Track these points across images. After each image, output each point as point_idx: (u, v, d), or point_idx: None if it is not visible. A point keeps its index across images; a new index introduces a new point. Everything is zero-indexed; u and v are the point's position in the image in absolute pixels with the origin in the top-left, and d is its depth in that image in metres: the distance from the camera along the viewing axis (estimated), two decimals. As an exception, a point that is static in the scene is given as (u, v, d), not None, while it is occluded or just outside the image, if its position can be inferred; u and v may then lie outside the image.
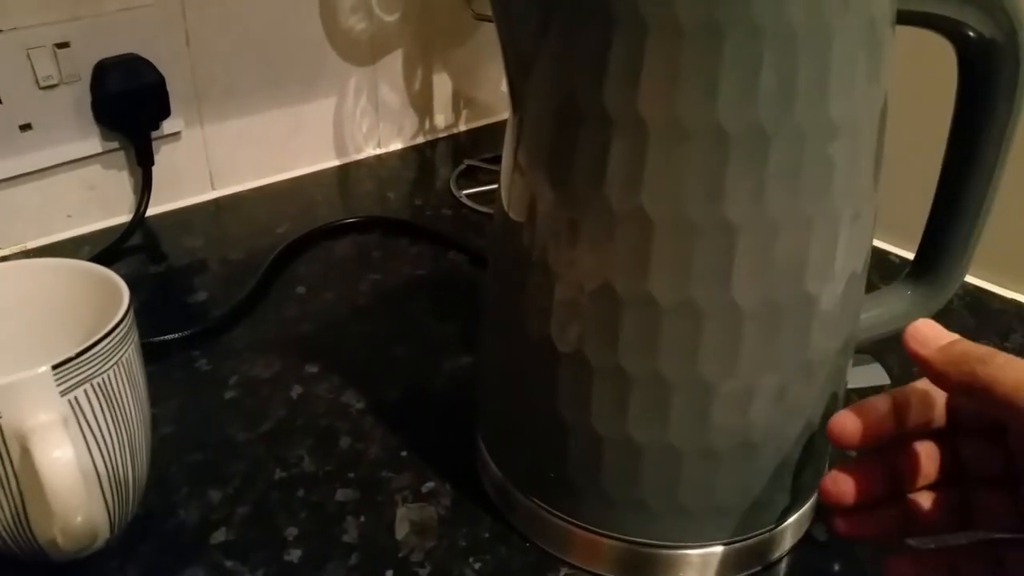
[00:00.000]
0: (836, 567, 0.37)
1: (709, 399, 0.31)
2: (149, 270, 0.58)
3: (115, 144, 0.61)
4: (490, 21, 0.72)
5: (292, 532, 0.38)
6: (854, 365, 0.36)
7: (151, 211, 0.65)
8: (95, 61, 0.58)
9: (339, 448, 0.43)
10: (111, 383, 0.33)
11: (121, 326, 0.33)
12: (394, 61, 0.77)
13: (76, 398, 0.31)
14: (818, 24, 0.27)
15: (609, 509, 0.35)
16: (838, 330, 0.32)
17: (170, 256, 0.61)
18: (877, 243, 0.61)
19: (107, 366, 0.32)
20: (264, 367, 0.49)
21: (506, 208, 0.35)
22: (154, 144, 0.63)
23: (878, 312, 0.36)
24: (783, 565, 0.37)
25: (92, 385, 0.32)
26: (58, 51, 0.56)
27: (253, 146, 0.70)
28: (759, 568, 0.36)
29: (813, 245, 0.30)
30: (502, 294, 0.37)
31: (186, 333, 0.50)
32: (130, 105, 0.59)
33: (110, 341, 0.32)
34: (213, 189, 0.69)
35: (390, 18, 0.74)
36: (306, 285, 0.57)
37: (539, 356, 0.34)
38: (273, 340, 0.51)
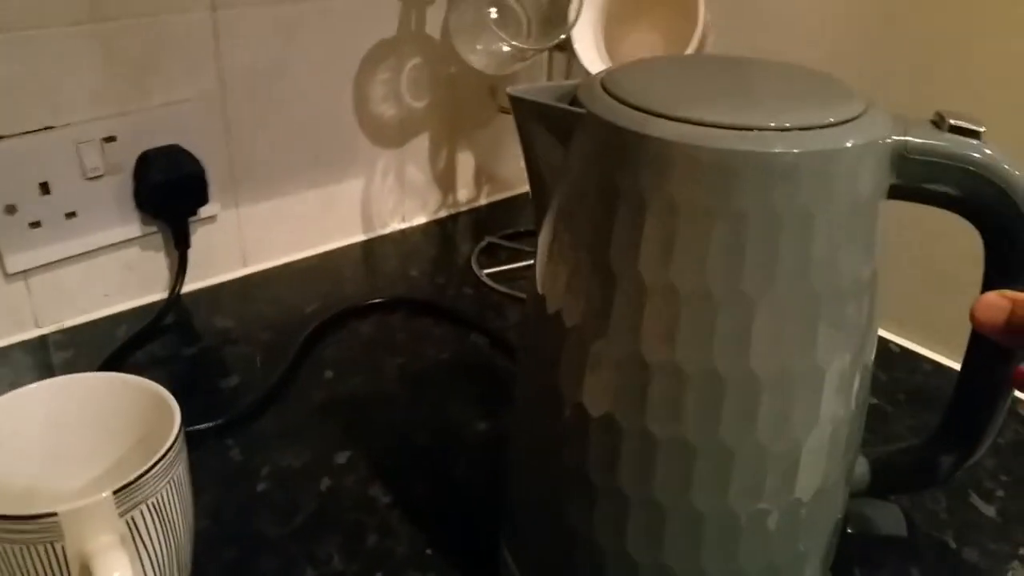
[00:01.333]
0: None
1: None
2: (182, 352, 0.61)
3: (154, 228, 0.65)
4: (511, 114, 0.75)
5: (323, 634, 0.40)
6: (873, 511, 0.38)
7: (185, 288, 0.67)
8: (139, 153, 0.61)
9: (367, 546, 0.45)
10: (163, 500, 0.35)
11: (175, 446, 0.35)
12: (421, 142, 0.80)
13: (133, 518, 0.34)
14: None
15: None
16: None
17: (203, 336, 0.63)
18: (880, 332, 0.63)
19: (161, 485, 0.35)
20: (294, 457, 0.51)
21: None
22: (190, 226, 0.66)
23: (901, 464, 0.39)
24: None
25: (147, 505, 0.34)
26: (105, 145, 0.60)
27: (285, 224, 0.73)
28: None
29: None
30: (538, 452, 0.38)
31: (220, 422, 0.53)
32: (170, 193, 0.62)
33: (165, 462, 0.34)
34: (245, 266, 0.72)
35: (419, 104, 0.78)
36: (334, 369, 0.60)
37: (573, 480, 0.36)
38: (303, 428, 0.54)
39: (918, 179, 0.31)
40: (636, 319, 0.31)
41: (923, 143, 0.31)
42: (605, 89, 0.33)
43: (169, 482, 0.35)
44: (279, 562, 0.44)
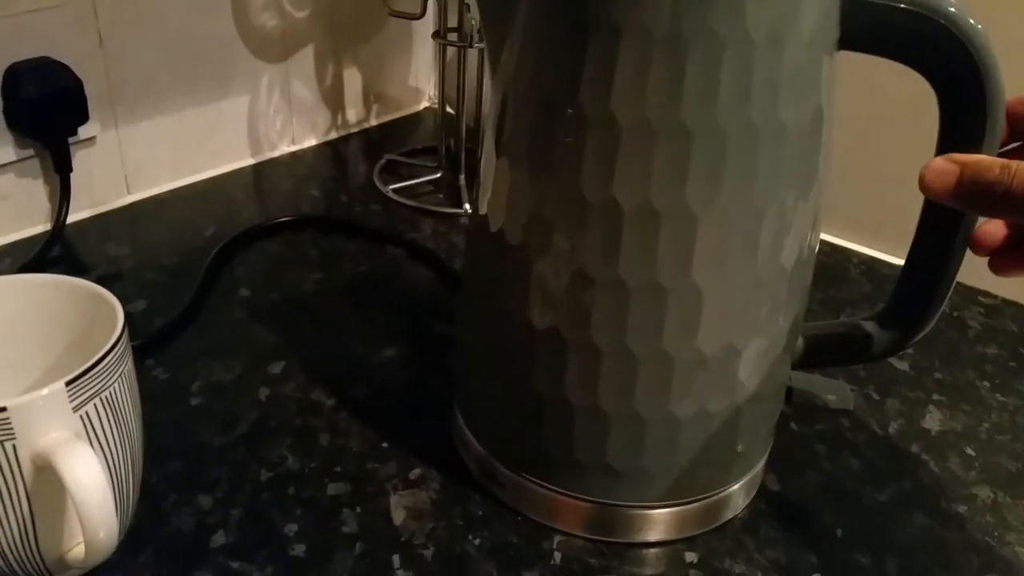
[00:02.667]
0: (789, 512, 0.42)
1: (670, 370, 0.35)
2: (80, 280, 0.57)
3: (30, 152, 0.59)
4: (405, 17, 0.74)
5: (291, 528, 0.39)
6: (820, 385, 0.40)
7: (68, 219, 0.62)
8: (6, 65, 0.55)
9: (320, 445, 0.44)
10: (116, 395, 0.33)
11: (122, 338, 0.33)
12: (305, 57, 0.77)
13: (87, 412, 0.31)
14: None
15: (582, 474, 0.38)
16: (787, 308, 0.37)
17: (98, 266, 0.59)
18: (872, 252, 0.67)
19: (112, 379, 0.32)
20: (224, 371, 0.49)
21: (485, 199, 0.37)
22: (71, 148, 0.61)
23: (847, 339, 0.40)
24: (741, 516, 0.41)
25: (101, 399, 0.32)
26: (-35, 55, 0.54)
27: (168, 147, 0.68)
28: (721, 522, 0.41)
29: (764, 232, 0.33)
30: (482, 282, 0.39)
31: (135, 343, 0.49)
32: (46, 110, 0.57)
33: (115, 353, 0.32)
34: (129, 193, 0.67)
35: (301, 14, 0.74)
36: (249, 287, 0.57)
37: (518, 336, 0.37)
38: (227, 344, 0.51)
39: (870, 26, 0.32)
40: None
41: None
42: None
43: (120, 376, 0.33)
44: (230, 468, 0.42)
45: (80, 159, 0.62)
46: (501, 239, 0.36)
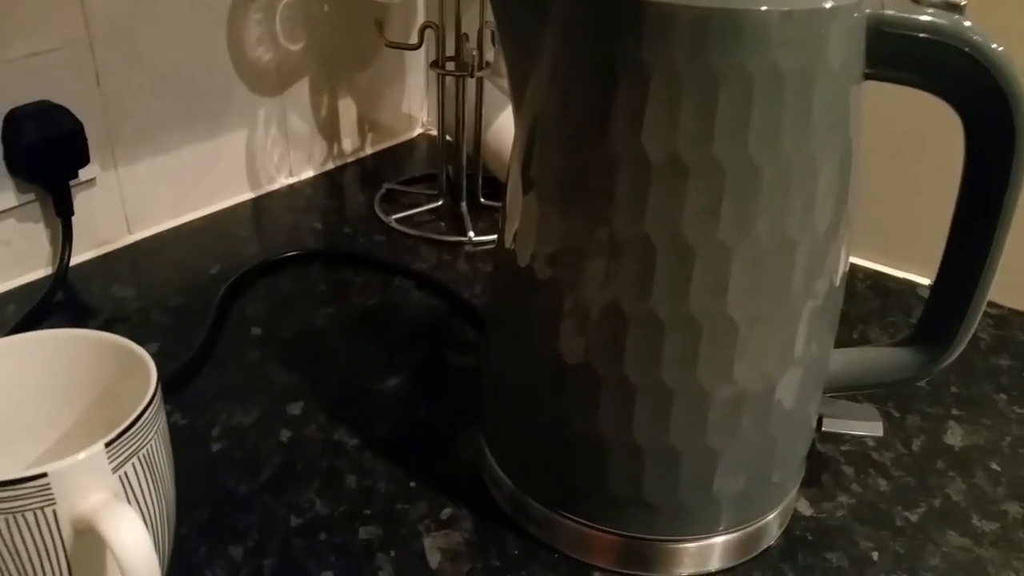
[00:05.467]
0: (825, 538, 0.42)
1: (706, 404, 0.35)
2: (88, 326, 0.56)
3: (31, 196, 0.58)
4: (401, 48, 0.73)
5: (327, 576, 0.38)
6: (852, 408, 0.40)
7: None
8: (5, 111, 0.55)
9: (347, 487, 0.43)
10: (153, 453, 0.32)
11: (157, 394, 0.32)
12: (301, 89, 0.76)
13: (126, 473, 0.31)
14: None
15: (617, 509, 0.38)
16: (820, 337, 0.37)
17: (104, 309, 0.58)
18: (877, 266, 0.67)
19: (149, 436, 0.32)
20: (243, 414, 0.48)
21: (512, 233, 0.37)
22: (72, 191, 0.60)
23: (877, 365, 0.41)
24: (777, 545, 0.41)
25: (139, 458, 0.31)
26: (-35, 102, 0.53)
27: (166, 185, 0.68)
28: (759, 551, 0.40)
29: (797, 263, 0.33)
30: (510, 317, 0.39)
31: (153, 389, 0.49)
32: (47, 155, 0.56)
33: (151, 410, 0.32)
34: (130, 233, 0.66)
35: (295, 47, 0.74)
36: (260, 325, 0.56)
37: (549, 371, 0.37)
38: (243, 385, 0.51)
39: (896, 56, 0.32)
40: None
41: (901, 16, 0.31)
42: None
43: (156, 432, 0.32)
44: (258, 515, 0.41)
45: (81, 201, 0.61)
46: (530, 274, 0.36)
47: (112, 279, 0.61)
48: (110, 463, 0.30)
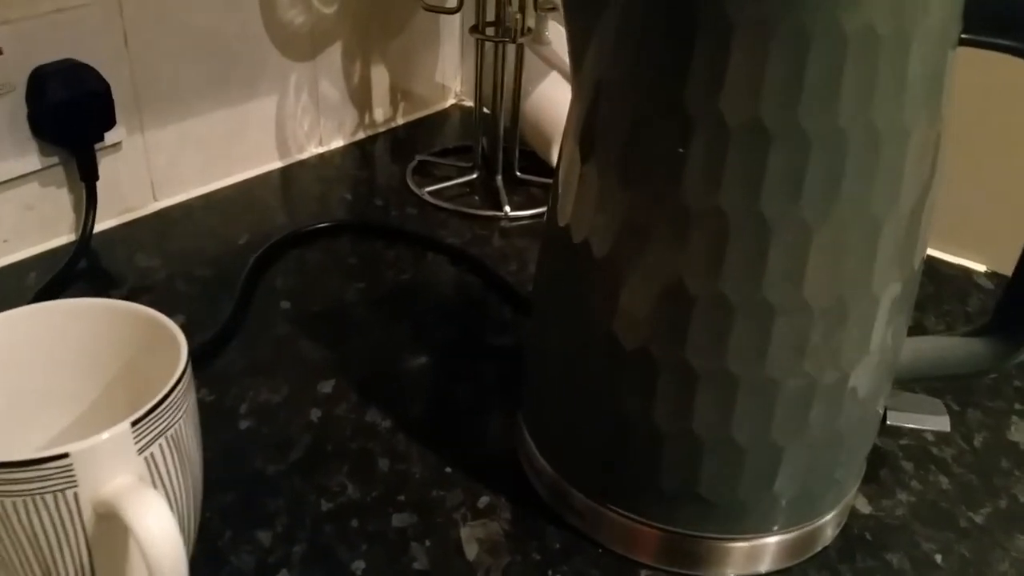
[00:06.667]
0: (885, 538, 0.39)
1: (774, 396, 0.33)
2: (112, 296, 0.54)
3: (54, 159, 0.56)
4: (440, 11, 0.71)
5: (359, 566, 0.36)
6: (916, 401, 0.37)
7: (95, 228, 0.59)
8: (31, 68, 0.52)
9: (379, 471, 0.41)
10: (181, 433, 0.30)
11: (186, 371, 0.30)
12: (333, 55, 0.74)
13: (152, 454, 0.29)
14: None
15: (669, 504, 0.36)
16: (897, 326, 0.34)
17: (128, 278, 0.56)
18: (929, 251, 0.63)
19: (178, 416, 0.30)
20: (272, 391, 0.46)
21: (567, 208, 0.35)
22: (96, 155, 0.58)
23: (950, 356, 0.38)
24: (835, 544, 0.39)
25: (166, 438, 0.29)
26: (-12, 59, 0.51)
27: (194, 151, 0.66)
28: (816, 551, 0.38)
29: (881, 244, 0.31)
30: (561, 296, 0.37)
31: (179, 362, 0.47)
32: (72, 115, 0.54)
33: (180, 388, 0.30)
34: (156, 200, 0.64)
35: (328, 10, 0.71)
36: (289, 299, 0.54)
37: (602, 355, 0.34)
38: (272, 361, 0.49)
39: (991, 21, 0.30)
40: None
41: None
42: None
43: (186, 412, 0.30)
44: (287, 499, 0.40)
45: (106, 166, 0.59)
46: (586, 251, 0.34)
47: (137, 247, 0.59)
48: (136, 444, 0.28)
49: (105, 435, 0.27)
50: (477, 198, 0.69)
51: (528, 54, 0.66)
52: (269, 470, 0.41)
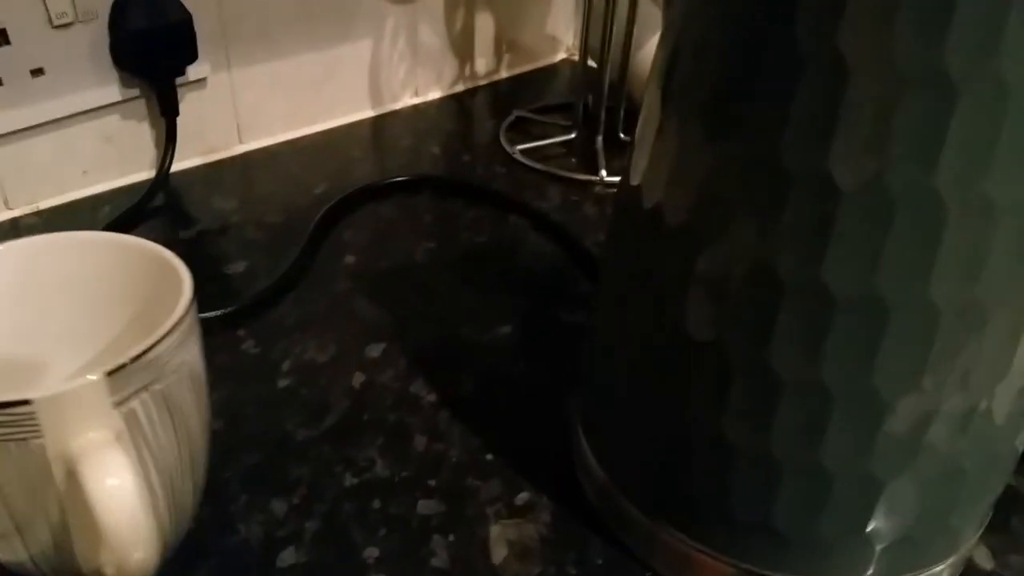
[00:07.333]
0: (1006, 598, 0.32)
1: (879, 417, 0.26)
2: (179, 235, 0.52)
3: (135, 92, 0.55)
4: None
5: (372, 554, 0.33)
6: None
7: (173, 167, 0.58)
8: (113, -5, 0.51)
9: (414, 449, 0.37)
10: (172, 389, 0.27)
11: (183, 322, 0.27)
12: None
13: (133, 410, 0.25)
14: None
15: (736, 533, 0.30)
16: None
17: (201, 219, 0.54)
18: None
19: (167, 370, 0.26)
20: (319, 350, 0.43)
21: (641, 164, 0.29)
22: (178, 91, 0.56)
23: None
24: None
25: (151, 393, 0.26)
26: (71, -17, 0.49)
27: (283, 94, 0.63)
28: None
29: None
30: (628, 272, 0.31)
31: (229, 310, 0.44)
32: (153, 45, 0.52)
33: (171, 341, 0.26)
34: (241, 143, 0.62)
35: (433, -49, 0.67)
36: (355, 254, 0.51)
37: (670, 346, 0.29)
38: (325, 318, 0.45)
39: None
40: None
41: None
42: None
43: (179, 367, 0.27)
44: (311, 468, 0.36)
45: (189, 103, 0.58)
46: (659, 219, 0.28)
47: (215, 189, 0.57)
48: (111, 396, 0.25)
49: (73, 384, 0.24)
50: (573, 160, 0.63)
51: (644, 2, 0.60)
52: (299, 435, 0.38)
